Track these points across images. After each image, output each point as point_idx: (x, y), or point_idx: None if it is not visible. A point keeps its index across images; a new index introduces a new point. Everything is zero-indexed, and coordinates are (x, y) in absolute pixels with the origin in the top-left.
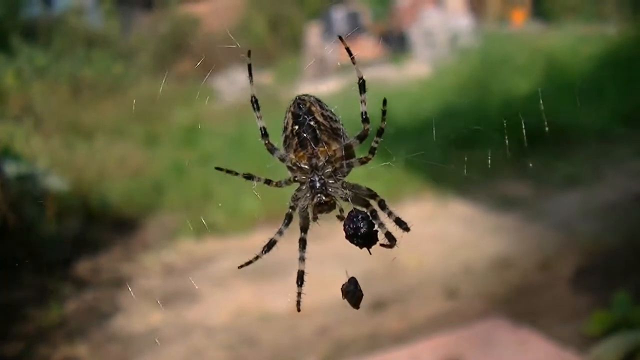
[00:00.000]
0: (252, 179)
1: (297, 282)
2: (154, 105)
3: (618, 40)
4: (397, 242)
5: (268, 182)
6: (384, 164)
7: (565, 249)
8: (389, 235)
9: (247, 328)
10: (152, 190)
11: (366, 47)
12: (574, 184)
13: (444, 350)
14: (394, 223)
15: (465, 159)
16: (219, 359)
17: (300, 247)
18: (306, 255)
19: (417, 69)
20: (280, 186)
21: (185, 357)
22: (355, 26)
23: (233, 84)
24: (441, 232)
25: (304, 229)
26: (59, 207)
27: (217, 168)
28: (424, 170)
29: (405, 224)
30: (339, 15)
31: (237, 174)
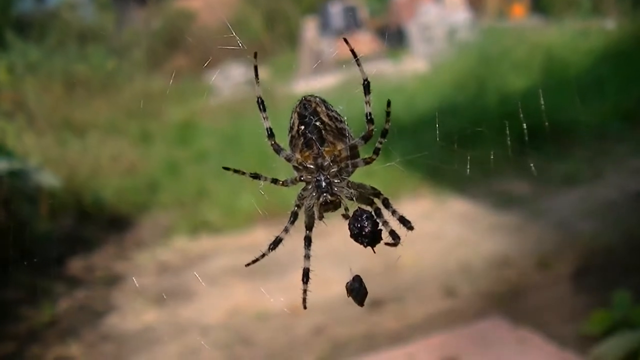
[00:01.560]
0: (259, 179)
1: (303, 280)
2: (148, 102)
3: (617, 35)
4: (400, 241)
5: (275, 181)
6: (387, 164)
7: (564, 247)
8: (392, 233)
9: (243, 327)
10: (146, 187)
11: (363, 42)
12: (573, 182)
13: (442, 349)
14: (397, 221)
15: (469, 158)
16: (214, 358)
17: (305, 245)
18: (311, 253)
19: (414, 64)
20: (287, 185)
21: (180, 356)
22: (352, 21)
23: (228, 80)
24: (439, 230)
25: (309, 227)
26: (52, 204)
27: (224, 168)
28: (422, 168)
29: (409, 222)
30: (335, 10)
31: (244, 173)
